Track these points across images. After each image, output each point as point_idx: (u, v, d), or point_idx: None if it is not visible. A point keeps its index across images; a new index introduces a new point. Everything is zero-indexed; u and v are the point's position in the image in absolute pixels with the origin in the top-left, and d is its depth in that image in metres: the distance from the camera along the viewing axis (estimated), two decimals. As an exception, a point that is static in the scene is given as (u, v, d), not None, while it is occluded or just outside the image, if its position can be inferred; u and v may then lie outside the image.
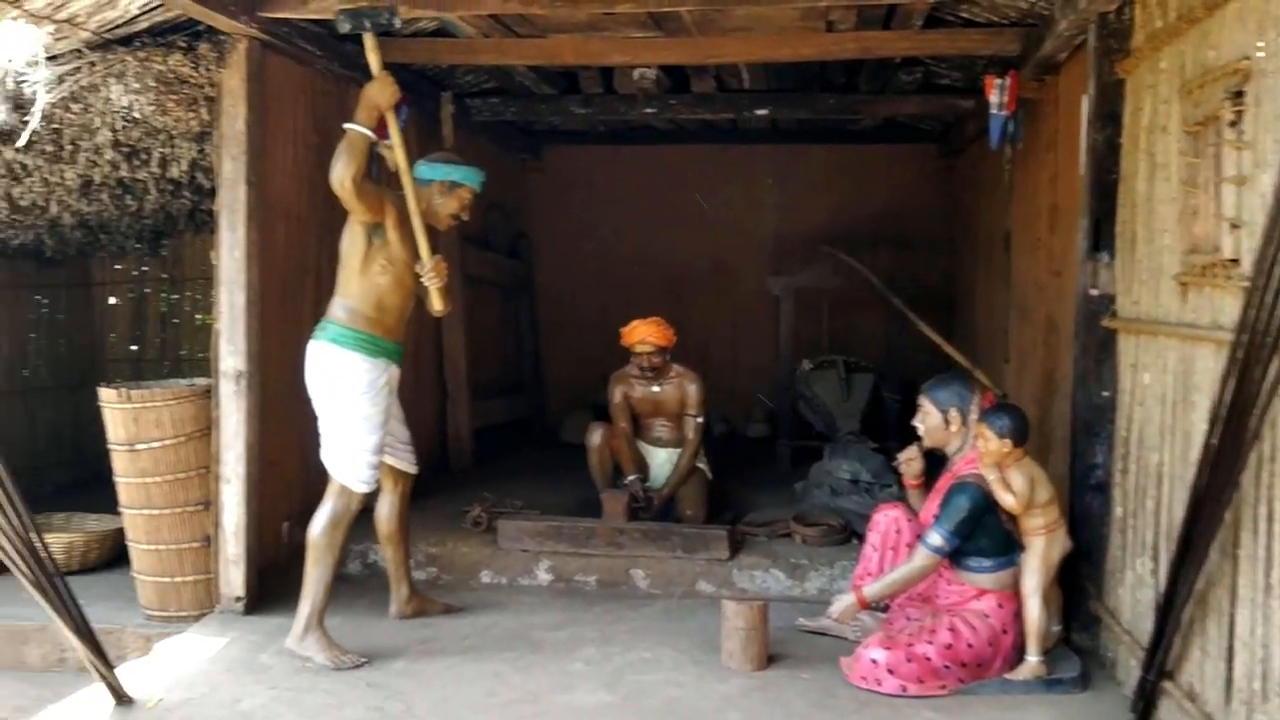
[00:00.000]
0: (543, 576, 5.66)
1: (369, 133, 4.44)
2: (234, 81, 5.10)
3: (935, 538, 4.25)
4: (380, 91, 4.48)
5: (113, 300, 9.30)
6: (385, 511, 5.06)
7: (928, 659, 4.17)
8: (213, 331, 5.23)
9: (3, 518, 3.61)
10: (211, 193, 7.23)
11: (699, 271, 9.69)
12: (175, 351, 9.24)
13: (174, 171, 6.07)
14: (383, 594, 5.26)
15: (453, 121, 7.21)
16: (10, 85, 5.07)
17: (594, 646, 4.76)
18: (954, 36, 5.74)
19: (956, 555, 4.32)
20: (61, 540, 6.21)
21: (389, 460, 4.90)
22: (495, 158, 8.70)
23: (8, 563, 3.81)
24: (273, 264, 5.41)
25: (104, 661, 4.16)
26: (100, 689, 4.23)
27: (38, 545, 3.87)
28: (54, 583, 3.94)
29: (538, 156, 9.79)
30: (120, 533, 6.37)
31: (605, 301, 9.22)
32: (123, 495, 5.48)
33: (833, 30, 5.71)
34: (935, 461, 4.77)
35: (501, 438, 8.50)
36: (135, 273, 9.32)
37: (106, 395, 5.37)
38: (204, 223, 8.22)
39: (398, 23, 4.57)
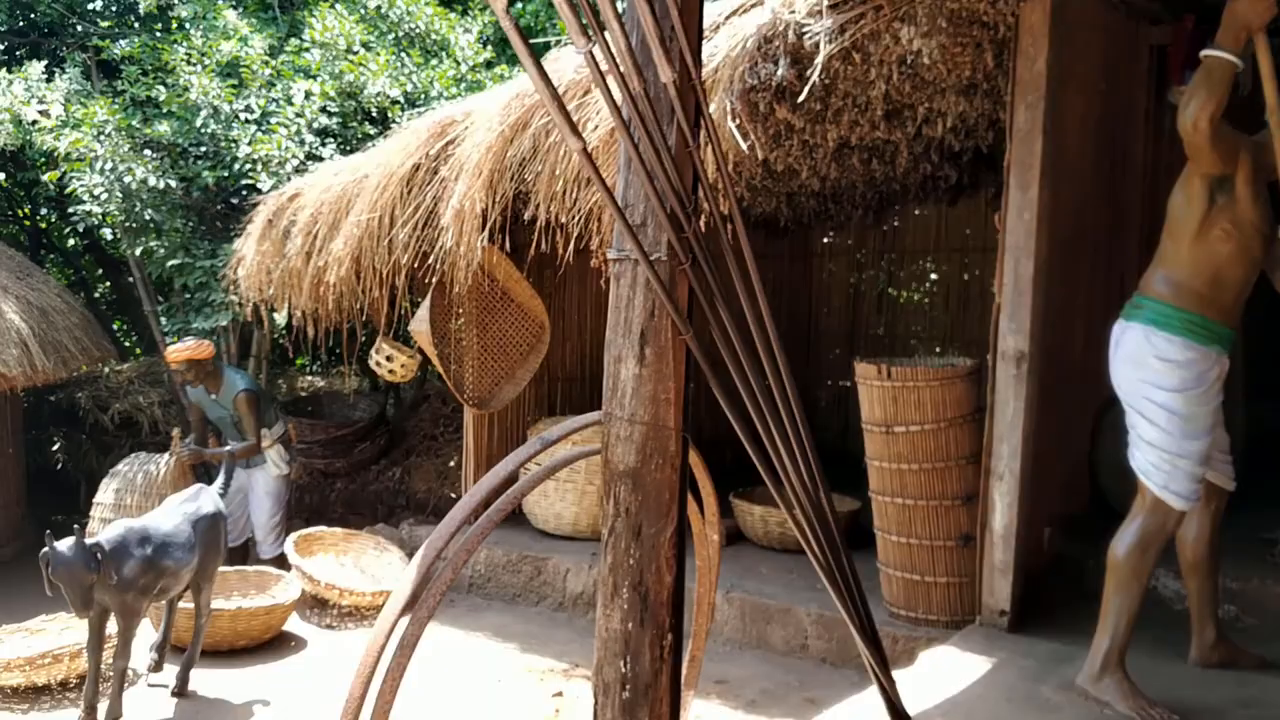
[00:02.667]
0: (1391, 637, 4.37)
1: (1236, 60, 3.48)
2: (1035, 17, 4.39)
3: None
4: (1252, 6, 3.50)
5: (829, 272, 9.18)
6: (1193, 534, 4.10)
7: None
8: (993, 306, 4.58)
9: (800, 485, 3.16)
10: (955, 157, 6.73)
11: None
12: (890, 327, 8.91)
13: (932, 130, 5.57)
14: (1171, 631, 4.33)
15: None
16: (791, 38, 4.79)
17: None
18: None
19: None
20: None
21: (1207, 473, 3.93)
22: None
23: (800, 538, 3.41)
24: (1057, 229, 4.65)
25: (885, 669, 3.67)
26: (873, 696, 3.77)
27: (831, 524, 3.43)
28: (843, 568, 3.49)
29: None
30: (851, 515, 6.03)
31: None
32: (874, 479, 5.06)
33: None
34: None
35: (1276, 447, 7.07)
36: (851, 244, 9.12)
37: (864, 371, 4.96)
38: (930, 192, 7.76)
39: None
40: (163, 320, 8.94)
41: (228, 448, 7.21)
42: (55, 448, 10.48)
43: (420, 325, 6.02)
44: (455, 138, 5.74)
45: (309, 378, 11.41)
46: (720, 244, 2.88)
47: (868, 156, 6.22)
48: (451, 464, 8.57)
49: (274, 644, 5.52)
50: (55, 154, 7.68)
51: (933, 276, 8.68)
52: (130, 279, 12.62)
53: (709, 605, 3.63)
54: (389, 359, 6.42)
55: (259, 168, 7.39)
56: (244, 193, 7.70)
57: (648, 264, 2.64)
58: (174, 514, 4.67)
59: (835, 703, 4.62)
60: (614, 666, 2.81)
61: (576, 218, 5.17)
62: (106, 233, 12.61)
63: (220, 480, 5.24)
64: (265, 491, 7.27)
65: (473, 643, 5.61)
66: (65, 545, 4.05)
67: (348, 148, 7.67)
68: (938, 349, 8.16)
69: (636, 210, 2.74)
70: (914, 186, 7.42)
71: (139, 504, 7.04)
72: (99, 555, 4.10)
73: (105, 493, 7.18)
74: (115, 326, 13.16)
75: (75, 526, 4.15)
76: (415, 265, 5.92)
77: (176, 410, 9.70)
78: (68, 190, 7.80)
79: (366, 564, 6.45)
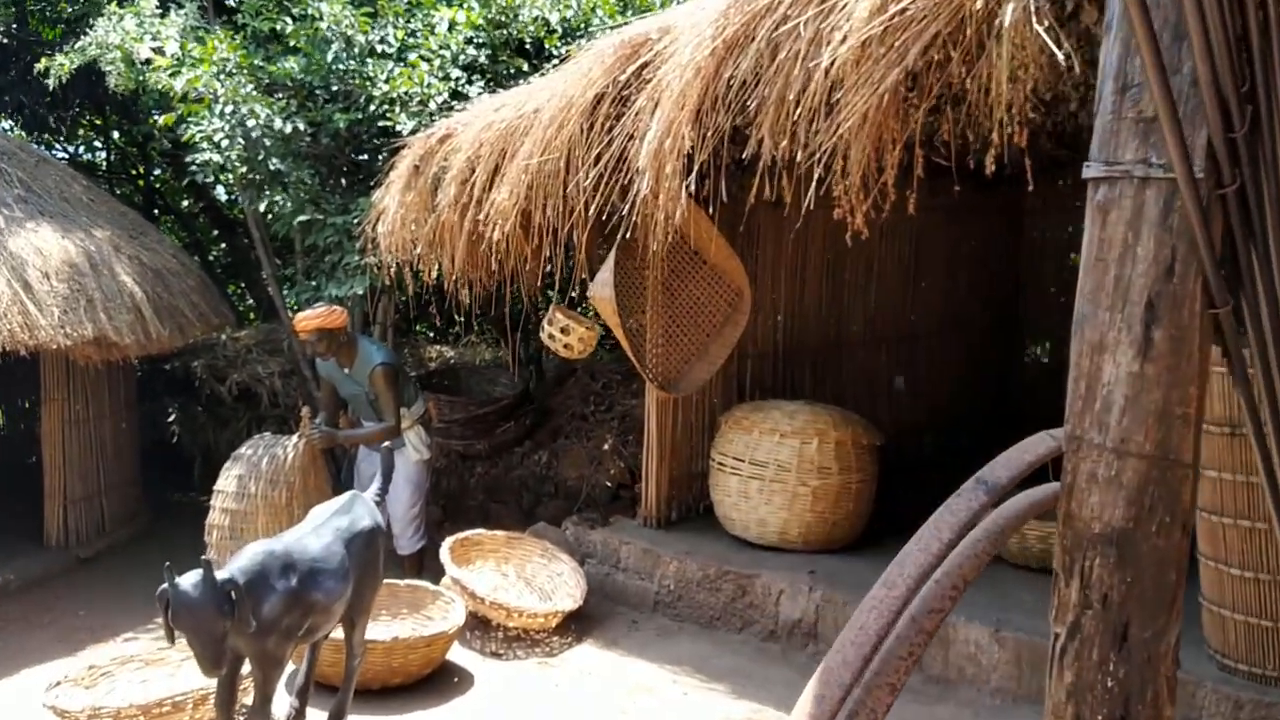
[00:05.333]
0: None
1: None
2: None
3: None
4: None
5: (1042, 233, 7.95)
6: None
7: None
8: None
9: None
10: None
11: None
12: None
13: None
14: None
15: None
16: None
17: None
18: None
19: None
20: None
21: None
22: None
23: None
24: None
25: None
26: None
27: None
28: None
29: None
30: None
31: None
32: (1206, 493, 3.89)
33: None
34: None
35: None
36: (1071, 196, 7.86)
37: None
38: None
39: None
40: (286, 287, 8.10)
41: (363, 429, 6.30)
42: (170, 420, 9.74)
43: (602, 290, 4.96)
44: (651, 60, 4.65)
45: (435, 347, 10.49)
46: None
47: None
48: (605, 447, 7.56)
49: (433, 680, 4.54)
50: (171, 96, 6.78)
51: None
52: (247, 240, 11.87)
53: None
54: (564, 330, 5.38)
55: (397, 108, 6.39)
56: (379, 138, 6.74)
57: (1189, 182, 1.53)
58: (323, 531, 3.68)
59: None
60: None
61: (819, 155, 4.06)
62: (221, 191, 11.87)
63: (377, 483, 4.26)
64: (404, 479, 6.34)
65: (669, 680, 4.57)
66: (190, 583, 3.07)
67: (497, 85, 6.64)
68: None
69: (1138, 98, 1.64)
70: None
71: (264, 491, 6.16)
72: (233, 594, 3.13)
73: (227, 479, 6.30)
74: (229, 291, 12.43)
75: (204, 559, 3.16)
76: (600, 218, 4.86)
77: (297, 382, 8.85)
78: (184, 137, 6.92)
79: (533, 574, 5.45)
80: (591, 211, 4.76)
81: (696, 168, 4.49)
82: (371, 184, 6.59)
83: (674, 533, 5.61)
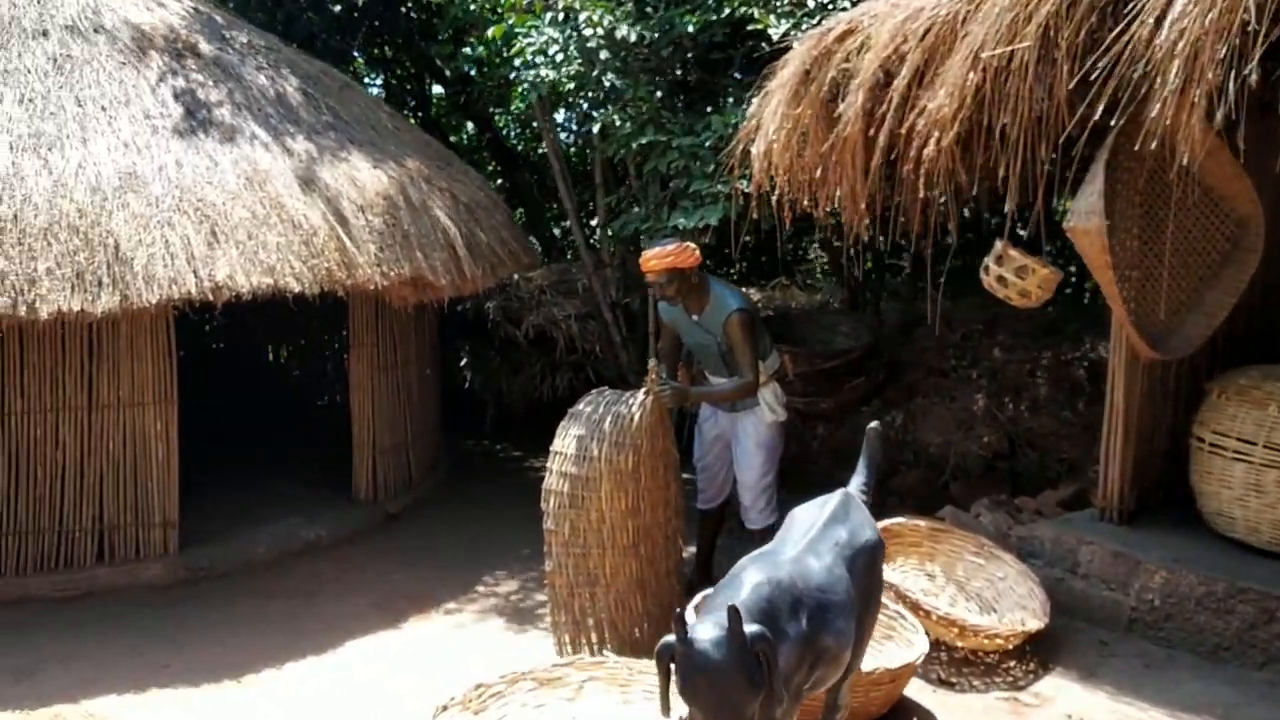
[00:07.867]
0: None
1: None
2: None
3: None
4: None
5: None
6: None
7: None
8: None
9: None
10: None
11: None
12: None
13: None
14: None
15: None
16: None
17: None
18: None
19: None
20: None
21: None
22: None
23: None
24: None
25: None
26: None
27: None
28: None
29: None
30: None
31: None
32: None
33: None
34: None
35: None
36: None
37: None
38: None
39: None
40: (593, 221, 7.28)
41: (717, 386, 5.42)
42: (461, 364, 9.19)
43: (1087, 220, 3.81)
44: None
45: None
46: None
47: None
48: (975, 409, 6.46)
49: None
50: (503, 4, 5.97)
51: None
52: (530, 175, 11.22)
53: None
54: (1020, 273, 4.26)
55: (764, 8, 5.39)
56: (730, 47, 5.76)
57: None
58: (820, 548, 2.75)
59: None
60: None
61: None
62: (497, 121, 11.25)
63: (861, 475, 3.31)
64: (756, 443, 5.45)
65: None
66: (710, 639, 2.18)
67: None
68: None
69: None
70: None
71: (609, 455, 5.30)
72: (763, 656, 2.23)
73: (565, 439, 5.46)
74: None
75: (731, 606, 2.25)
76: (1081, 127, 3.73)
77: (595, 327, 8.12)
78: (512, 51, 6.12)
79: (966, 576, 4.43)
80: (1092, 120, 3.63)
81: (1258, 54, 3.30)
82: (720, 99, 5.62)
83: (1143, 530, 4.47)
